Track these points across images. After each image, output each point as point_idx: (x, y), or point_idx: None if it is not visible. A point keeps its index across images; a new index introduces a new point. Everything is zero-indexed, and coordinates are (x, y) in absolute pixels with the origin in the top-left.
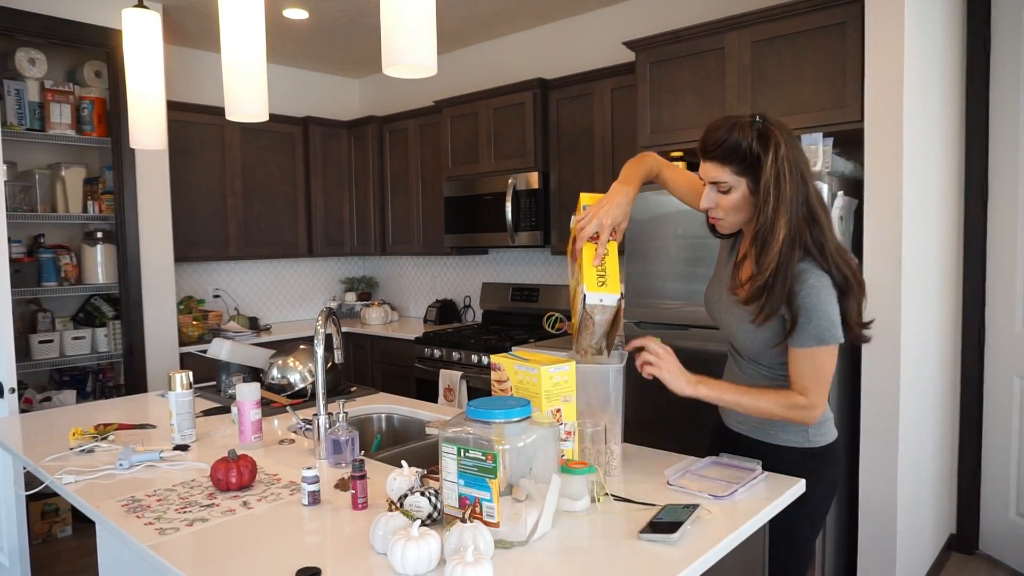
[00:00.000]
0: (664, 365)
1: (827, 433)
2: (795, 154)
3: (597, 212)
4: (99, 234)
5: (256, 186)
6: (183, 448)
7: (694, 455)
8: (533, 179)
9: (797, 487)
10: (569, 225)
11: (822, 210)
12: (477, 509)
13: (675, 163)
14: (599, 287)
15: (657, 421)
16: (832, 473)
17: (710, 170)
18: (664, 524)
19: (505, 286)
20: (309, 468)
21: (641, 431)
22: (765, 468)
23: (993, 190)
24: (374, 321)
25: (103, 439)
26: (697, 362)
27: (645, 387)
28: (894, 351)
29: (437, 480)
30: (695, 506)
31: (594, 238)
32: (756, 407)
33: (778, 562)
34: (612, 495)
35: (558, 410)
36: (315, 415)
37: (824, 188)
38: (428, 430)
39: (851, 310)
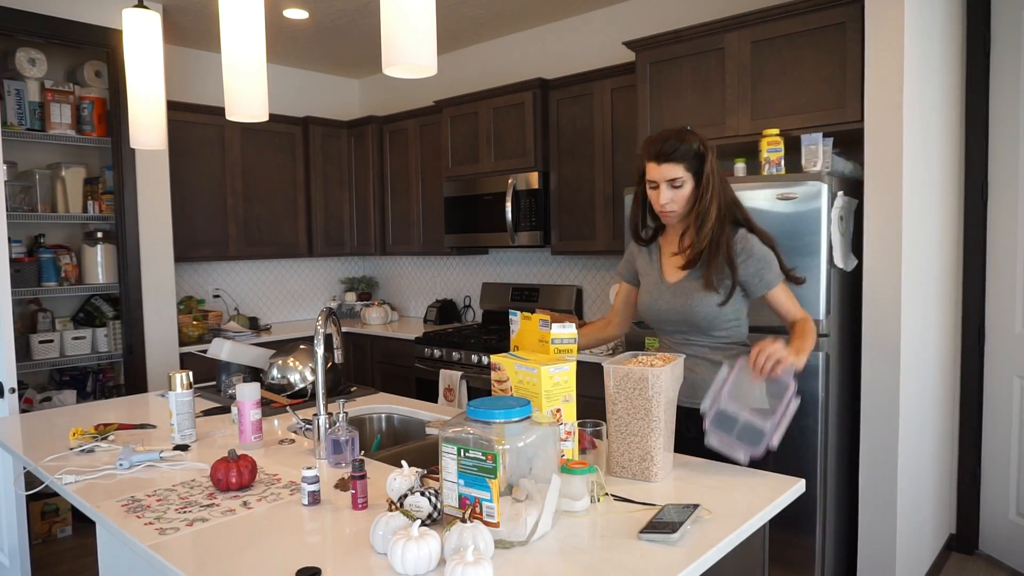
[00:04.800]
0: (785, 358)
1: None
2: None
3: None
4: (99, 234)
5: (256, 186)
6: (183, 448)
7: (694, 455)
8: (533, 179)
9: (797, 487)
10: (569, 230)
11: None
12: (477, 509)
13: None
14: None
15: None
16: None
17: (669, 170)
18: (664, 524)
19: (505, 286)
20: (309, 468)
21: None
22: None
23: (993, 190)
24: (374, 321)
25: (103, 439)
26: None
27: None
28: (894, 351)
29: (437, 480)
30: (695, 506)
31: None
32: (814, 340)
33: None
34: (612, 495)
35: (558, 410)
36: (315, 415)
37: (824, 188)
38: (428, 430)
39: (780, 259)
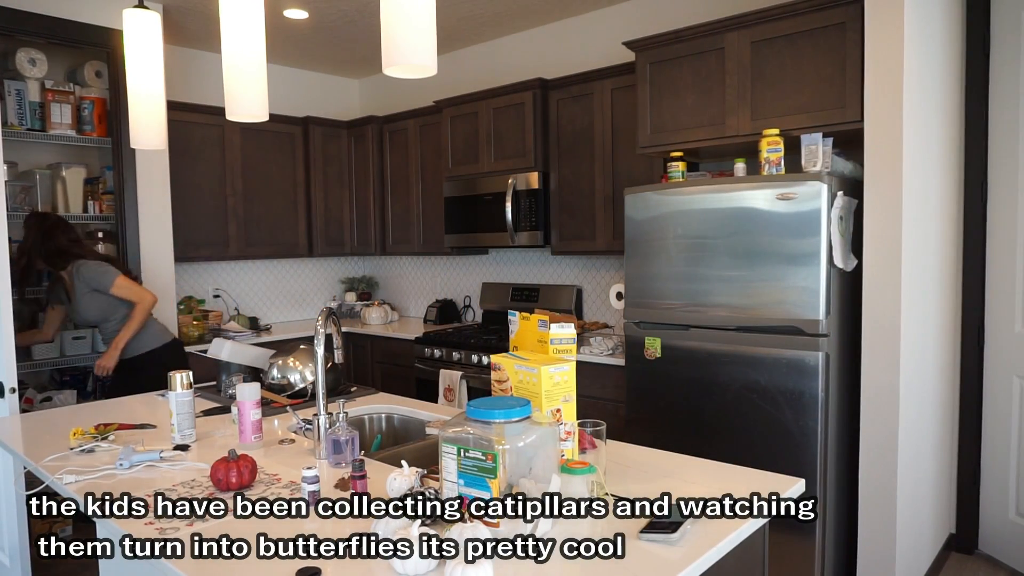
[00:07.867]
0: None
1: None
2: None
3: None
4: (99, 234)
5: (256, 186)
6: (183, 448)
7: (694, 455)
8: (533, 179)
9: (797, 487)
10: (569, 230)
11: None
12: None
13: (674, 162)
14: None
15: (658, 421)
16: None
17: None
18: (664, 524)
19: (505, 286)
20: (309, 468)
21: (641, 431)
22: None
23: (993, 190)
24: (374, 321)
25: (103, 439)
26: (697, 361)
27: (645, 387)
28: (894, 351)
29: (437, 480)
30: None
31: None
32: None
33: None
34: (612, 495)
35: (558, 410)
36: (315, 415)
37: (824, 188)
38: (428, 430)
39: None
